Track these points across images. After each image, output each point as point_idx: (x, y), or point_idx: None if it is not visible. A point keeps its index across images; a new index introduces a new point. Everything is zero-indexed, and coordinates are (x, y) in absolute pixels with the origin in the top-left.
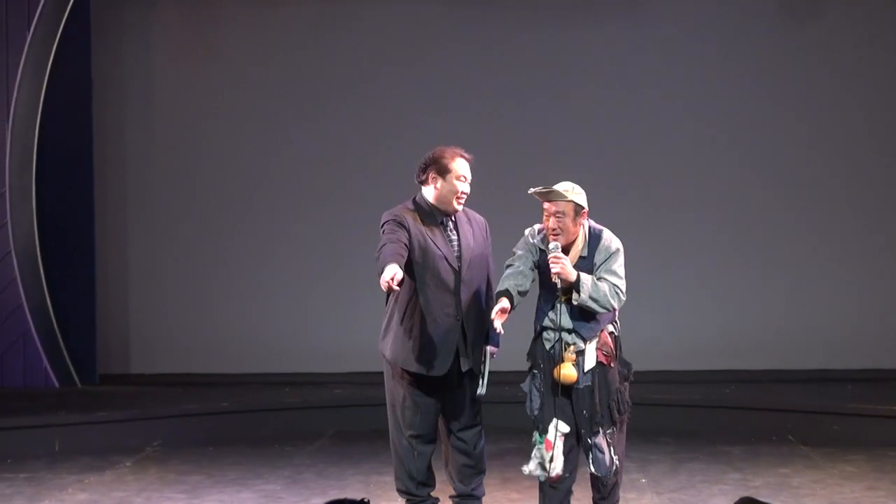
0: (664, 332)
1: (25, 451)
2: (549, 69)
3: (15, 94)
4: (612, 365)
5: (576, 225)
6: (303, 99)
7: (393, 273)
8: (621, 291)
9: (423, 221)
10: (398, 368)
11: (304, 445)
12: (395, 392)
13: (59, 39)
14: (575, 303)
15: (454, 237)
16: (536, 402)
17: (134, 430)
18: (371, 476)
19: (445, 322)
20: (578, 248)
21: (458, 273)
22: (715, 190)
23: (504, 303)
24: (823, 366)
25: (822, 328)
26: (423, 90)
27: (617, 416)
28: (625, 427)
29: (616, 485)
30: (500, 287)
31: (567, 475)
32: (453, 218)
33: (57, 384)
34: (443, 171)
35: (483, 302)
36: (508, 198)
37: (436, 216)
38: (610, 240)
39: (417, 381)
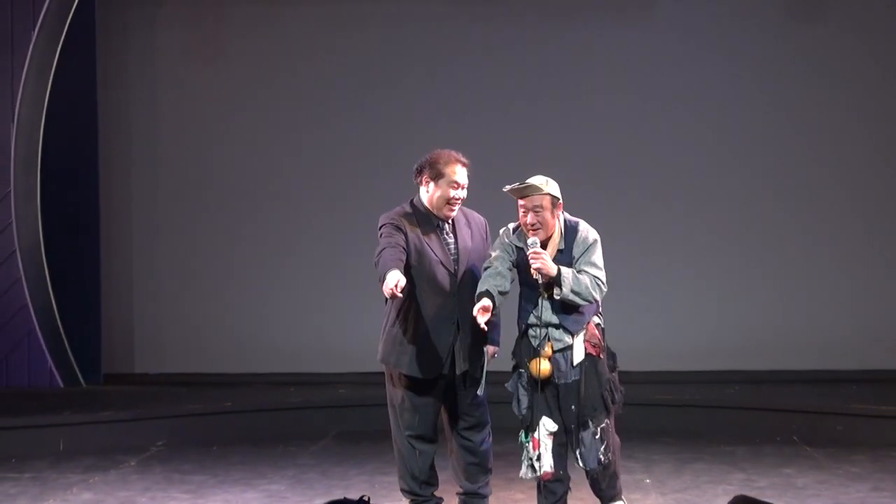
0: (667, 333)
1: (30, 451)
2: (557, 72)
3: (20, 95)
4: (602, 356)
5: (553, 217)
6: (307, 101)
7: (396, 280)
8: (602, 283)
9: (419, 224)
10: (395, 370)
11: (308, 445)
12: (393, 393)
13: (64, 41)
14: (557, 297)
15: (451, 240)
16: (524, 402)
17: (138, 430)
18: (375, 476)
19: (441, 325)
20: (556, 241)
21: (454, 276)
22: (716, 191)
23: (485, 301)
24: (827, 366)
25: (826, 328)
26: (431, 92)
27: (611, 404)
28: (612, 416)
29: (614, 475)
30: (479, 288)
31: (560, 472)
32: (450, 220)
33: (61, 384)
34: (437, 176)
35: None
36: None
37: (431, 219)
38: (587, 231)
39: (415, 383)
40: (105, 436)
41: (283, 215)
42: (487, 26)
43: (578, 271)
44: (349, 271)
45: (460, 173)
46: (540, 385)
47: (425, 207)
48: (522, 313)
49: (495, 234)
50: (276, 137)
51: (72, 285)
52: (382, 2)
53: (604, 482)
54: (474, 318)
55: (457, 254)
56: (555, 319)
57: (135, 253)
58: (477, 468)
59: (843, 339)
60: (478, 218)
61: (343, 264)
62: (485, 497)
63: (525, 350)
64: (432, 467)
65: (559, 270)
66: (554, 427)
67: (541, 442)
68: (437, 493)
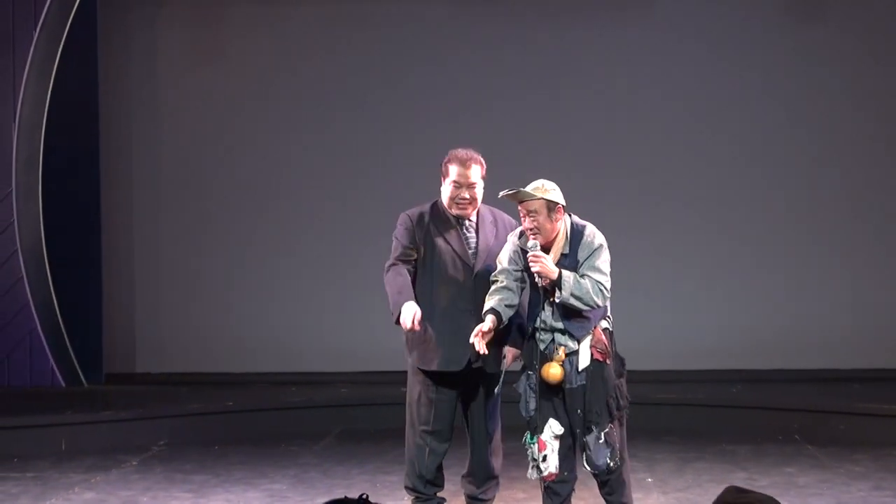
0: (669, 331)
1: (32, 451)
2: (557, 72)
3: (21, 94)
4: (608, 361)
5: (552, 222)
6: (310, 101)
7: (412, 313)
8: (605, 288)
9: (436, 220)
10: (415, 367)
11: (310, 445)
12: (412, 389)
13: (65, 40)
14: (556, 300)
15: (471, 234)
16: (532, 403)
17: (140, 430)
18: (377, 475)
19: (457, 317)
20: (560, 245)
21: (470, 268)
22: (720, 190)
23: (487, 322)
24: (829, 365)
25: (828, 327)
26: (431, 92)
27: (616, 411)
28: (624, 421)
29: (624, 483)
30: (486, 305)
31: (566, 474)
32: (472, 219)
33: (63, 383)
34: (444, 175)
35: None
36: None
37: (450, 217)
38: (593, 235)
39: (434, 378)
40: (107, 435)
41: (284, 214)
42: (488, 26)
43: (581, 275)
44: (350, 270)
45: (461, 172)
46: (550, 388)
47: (443, 205)
48: (530, 315)
49: None
50: (276, 137)
51: (73, 285)
52: (382, 2)
53: (610, 486)
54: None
55: (476, 248)
56: (560, 324)
57: (136, 252)
58: (480, 470)
59: (845, 339)
60: (508, 220)
61: (344, 263)
62: (484, 502)
63: (533, 353)
64: (440, 468)
65: (560, 274)
66: (560, 430)
67: (547, 444)
68: (440, 495)
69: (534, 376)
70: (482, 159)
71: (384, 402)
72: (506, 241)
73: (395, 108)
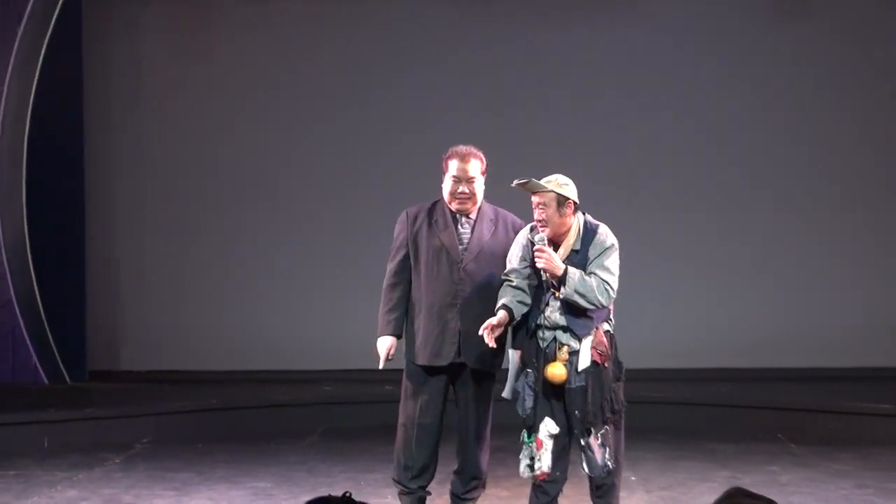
0: (656, 330)
1: (14, 448)
2: (556, 71)
3: (5, 90)
4: (607, 365)
5: (561, 216)
6: (296, 98)
7: (385, 349)
8: (611, 288)
9: (434, 215)
10: (407, 359)
11: (295, 443)
12: (406, 383)
13: (50, 36)
14: (560, 296)
15: (465, 230)
16: (529, 401)
17: (123, 427)
18: (362, 473)
19: (443, 312)
20: (570, 241)
21: (458, 264)
22: (711, 188)
23: (499, 316)
24: (813, 364)
25: (812, 327)
26: (430, 92)
27: (610, 415)
28: (622, 426)
29: (614, 486)
30: (499, 301)
31: (557, 474)
32: (471, 216)
33: (46, 381)
34: (444, 170)
35: (490, 297)
36: (525, 197)
37: (449, 213)
38: (605, 235)
39: (420, 371)
40: (90, 433)
41: (269, 213)
42: (488, 26)
43: (588, 273)
44: (337, 268)
45: (460, 167)
46: (550, 388)
47: (445, 202)
48: (533, 312)
49: None
50: (263, 136)
51: (57, 281)
52: (382, 2)
53: (602, 489)
54: (480, 308)
55: (467, 244)
56: (563, 321)
57: (120, 249)
58: (467, 469)
59: (830, 338)
60: (512, 219)
61: (331, 262)
62: (466, 502)
63: (534, 350)
64: (426, 463)
65: (566, 269)
66: (556, 429)
67: (543, 442)
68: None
69: (532, 374)
70: (482, 155)
71: (369, 400)
72: (505, 239)
73: (394, 108)
